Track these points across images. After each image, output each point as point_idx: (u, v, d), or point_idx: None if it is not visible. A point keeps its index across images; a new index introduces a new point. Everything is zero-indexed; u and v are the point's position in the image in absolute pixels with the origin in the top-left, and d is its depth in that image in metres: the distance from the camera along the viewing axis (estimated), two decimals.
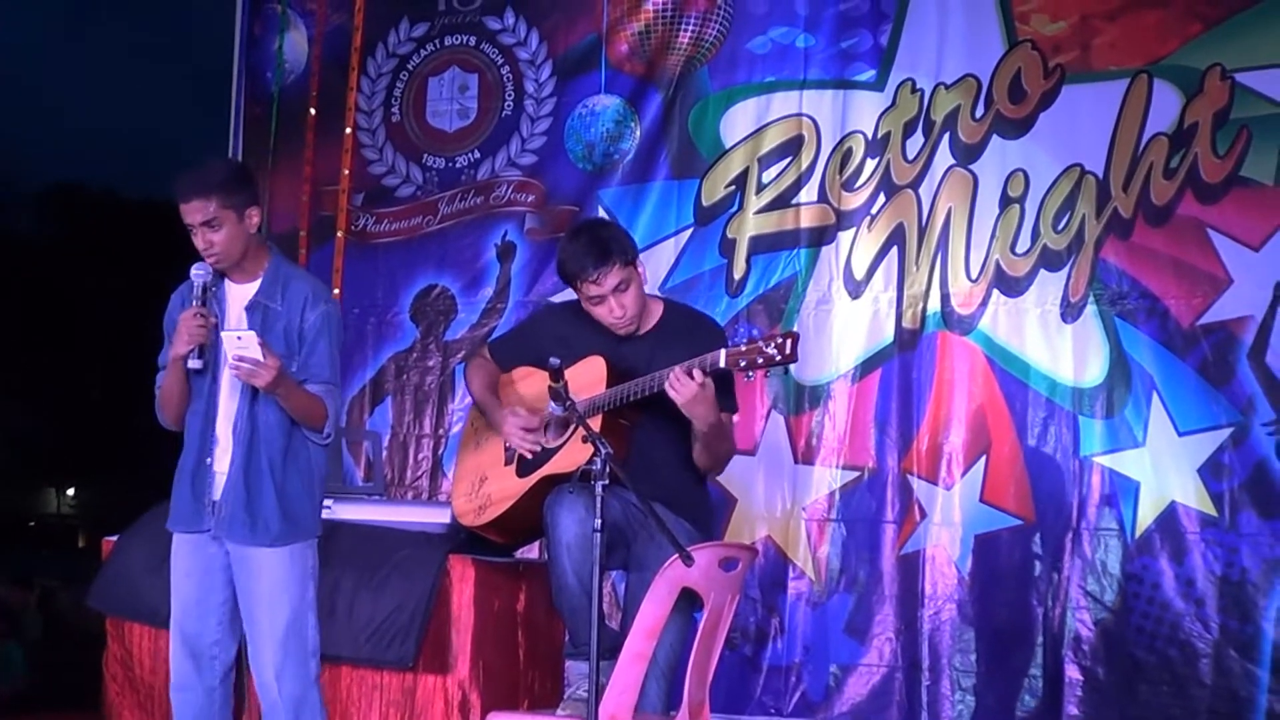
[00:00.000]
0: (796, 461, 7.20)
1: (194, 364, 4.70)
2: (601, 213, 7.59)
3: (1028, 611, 6.77)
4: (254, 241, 4.84)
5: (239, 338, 4.56)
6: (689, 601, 4.94)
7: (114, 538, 6.32)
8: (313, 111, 8.35)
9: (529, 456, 5.28)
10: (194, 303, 4.73)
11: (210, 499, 4.78)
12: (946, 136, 7.16)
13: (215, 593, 4.83)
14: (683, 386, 4.83)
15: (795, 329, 6.90)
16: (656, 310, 5.33)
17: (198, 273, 4.74)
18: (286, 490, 4.78)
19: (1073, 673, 6.65)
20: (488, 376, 5.59)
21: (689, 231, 7.53)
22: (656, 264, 7.39)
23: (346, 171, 8.21)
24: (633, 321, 5.19)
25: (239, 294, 4.84)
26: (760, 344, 4.74)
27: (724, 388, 5.08)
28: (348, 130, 8.26)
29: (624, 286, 5.11)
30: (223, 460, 4.79)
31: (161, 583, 5.84)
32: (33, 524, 37.35)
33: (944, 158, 7.16)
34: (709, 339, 5.16)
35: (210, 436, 4.80)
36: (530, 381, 5.45)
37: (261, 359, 4.54)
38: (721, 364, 4.77)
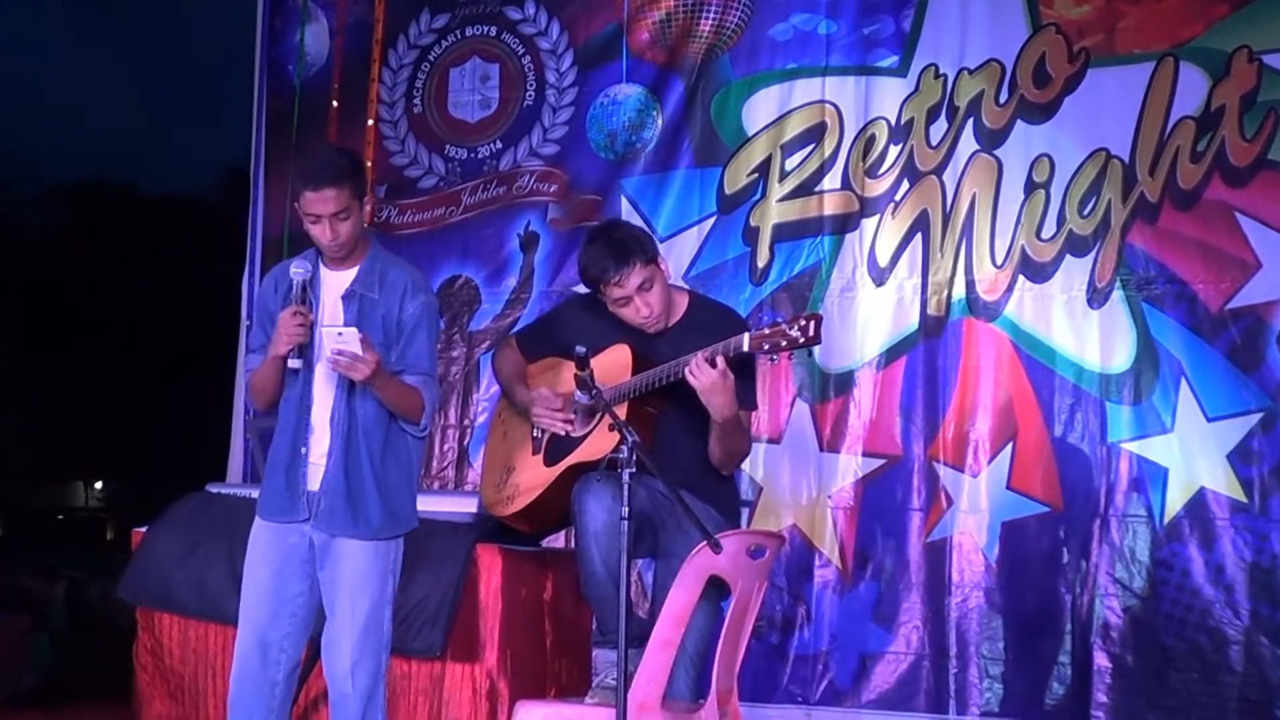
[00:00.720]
0: (822, 449, 7.17)
1: (294, 364, 4.68)
2: (624, 202, 7.58)
3: (1056, 599, 6.73)
4: (363, 230, 4.83)
5: (340, 333, 4.54)
6: (717, 589, 4.93)
7: (143, 529, 6.31)
8: (335, 104, 8.35)
9: (561, 434, 5.25)
10: (293, 302, 4.70)
11: (305, 488, 4.75)
12: (970, 122, 7.11)
13: (292, 584, 4.79)
14: (703, 374, 4.81)
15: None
16: (682, 303, 5.32)
17: (297, 271, 4.71)
18: (387, 483, 4.76)
19: (1102, 660, 6.61)
20: (515, 365, 5.58)
21: (712, 220, 7.50)
22: (680, 253, 7.37)
23: (369, 163, 8.19)
24: (660, 319, 5.19)
25: (336, 281, 4.81)
26: (784, 326, 4.72)
27: (745, 383, 5.06)
28: (370, 122, 8.25)
29: (648, 285, 5.10)
30: (318, 450, 4.76)
31: (191, 573, 5.90)
32: (61, 517, 37.51)
33: (968, 143, 7.11)
34: (733, 329, 5.14)
35: (305, 425, 4.77)
36: (556, 371, 5.43)
37: (361, 354, 4.52)
38: (745, 347, 4.75)
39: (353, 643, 4.72)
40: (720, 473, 5.31)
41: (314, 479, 4.75)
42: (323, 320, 4.76)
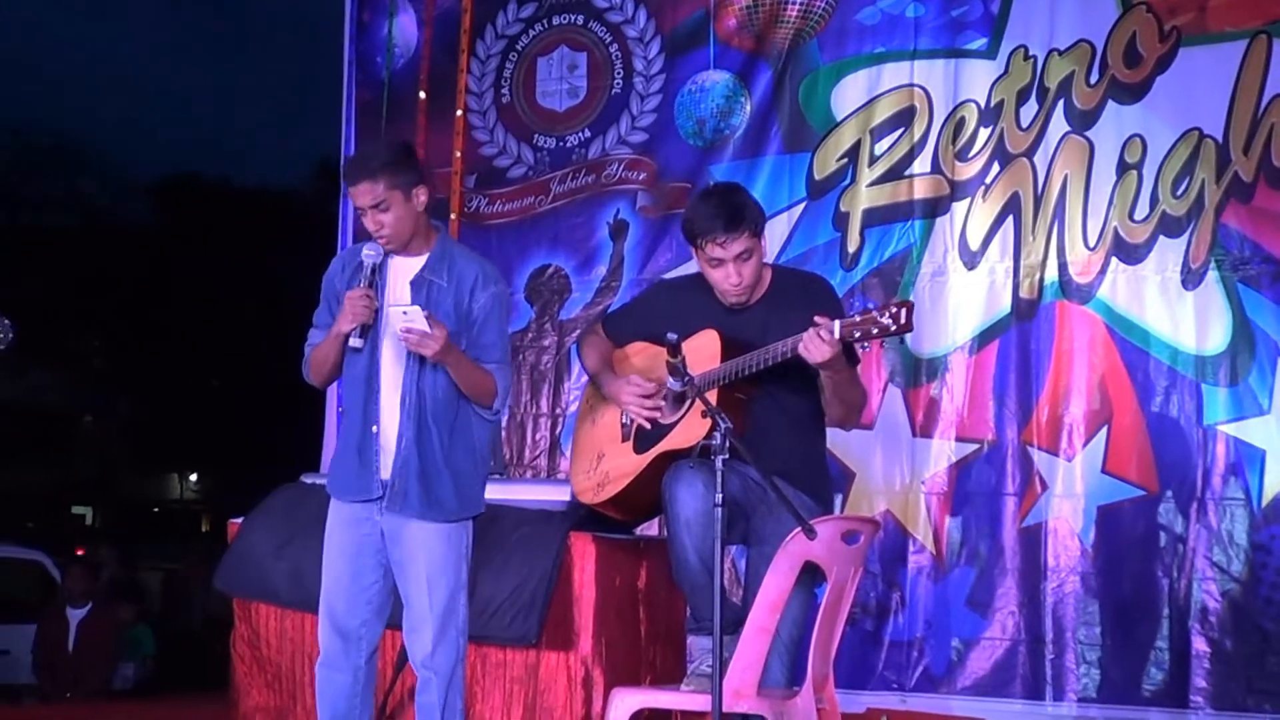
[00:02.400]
0: (915, 435, 7.15)
1: (355, 343, 4.74)
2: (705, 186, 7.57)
3: (1153, 583, 6.68)
4: (423, 220, 4.87)
5: (405, 312, 4.60)
6: (811, 576, 4.91)
7: (239, 520, 6.38)
8: (423, 95, 8.40)
9: (648, 426, 5.27)
10: (362, 283, 4.77)
11: (377, 468, 4.82)
12: (1061, 103, 7.06)
13: (368, 573, 4.85)
14: (817, 349, 4.76)
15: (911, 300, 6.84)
16: (766, 277, 5.28)
17: (369, 254, 4.79)
18: (456, 466, 4.82)
19: (1200, 645, 6.55)
20: (602, 351, 5.58)
21: (802, 205, 7.49)
22: (770, 239, 7.26)
23: (458, 153, 8.25)
24: (746, 291, 5.15)
25: (404, 268, 4.87)
26: (875, 313, 4.69)
27: (847, 345, 5.01)
28: (459, 112, 8.29)
29: (747, 256, 5.07)
30: (389, 430, 4.82)
31: (288, 563, 5.95)
32: (156, 510, 37.98)
33: (1059, 125, 7.06)
34: (822, 296, 5.16)
35: (374, 405, 4.83)
36: (645, 357, 5.43)
37: (428, 329, 4.58)
38: (836, 335, 4.72)
39: (434, 630, 4.78)
40: (817, 455, 5.30)
41: (385, 460, 4.82)
42: (389, 298, 4.84)
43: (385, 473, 4.81)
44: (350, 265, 4.93)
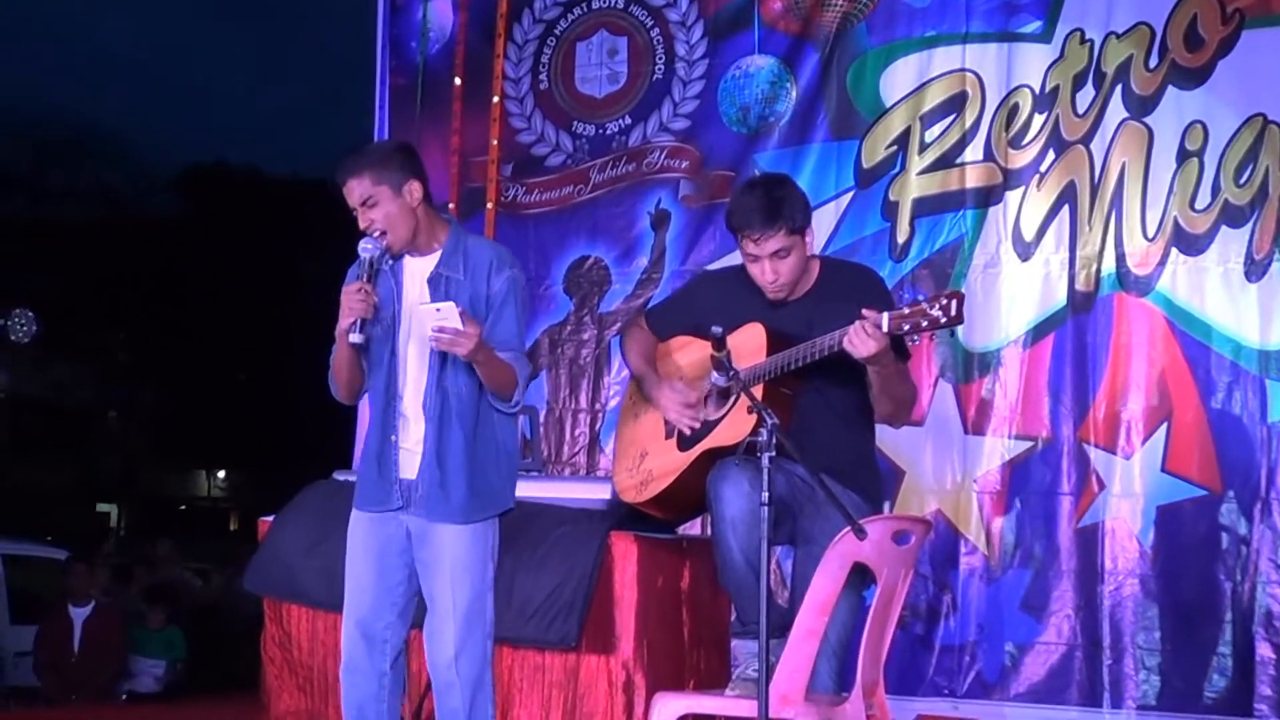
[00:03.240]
0: (966, 432, 7.13)
1: (354, 338, 4.74)
2: (751, 176, 7.55)
3: (1215, 586, 6.63)
4: (425, 216, 4.87)
5: (438, 309, 4.59)
6: (860, 578, 4.90)
7: (269, 519, 6.41)
8: (458, 81, 8.42)
9: (688, 433, 5.27)
10: (360, 276, 4.77)
11: (397, 476, 4.84)
12: (1119, 88, 7.02)
13: (392, 574, 4.87)
14: (863, 343, 4.76)
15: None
16: (813, 269, 5.27)
17: (365, 247, 4.79)
18: (479, 464, 4.82)
19: (1264, 651, 6.51)
20: (645, 346, 5.58)
21: (850, 194, 7.48)
22: (817, 230, 7.25)
23: (495, 141, 8.26)
24: (784, 289, 5.15)
25: (418, 268, 4.89)
26: (924, 305, 4.67)
27: (896, 338, 5.00)
28: (495, 99, 8.31)
29: (784, 254, 5.06)
30: (410, 436, 4.84)
31: (320, 563, 5.96)
32: (184, 507, 38.18)
33: (1116, 111, 7.03)
34: (870, 288, 5.15)
35: (394, 412, 4.86)
36: (689, 351, 5.43)
37: (462, 328, 4.56)
38: (885, 328, 4.70)
39: (456, 631, 4.78)
40: (866, 452, 5.30)
41: (407, 466, 4.84)
42: (406, 307, 4.85)
43: (407, 475, 4.83)
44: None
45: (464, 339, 4.57)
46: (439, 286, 4.83)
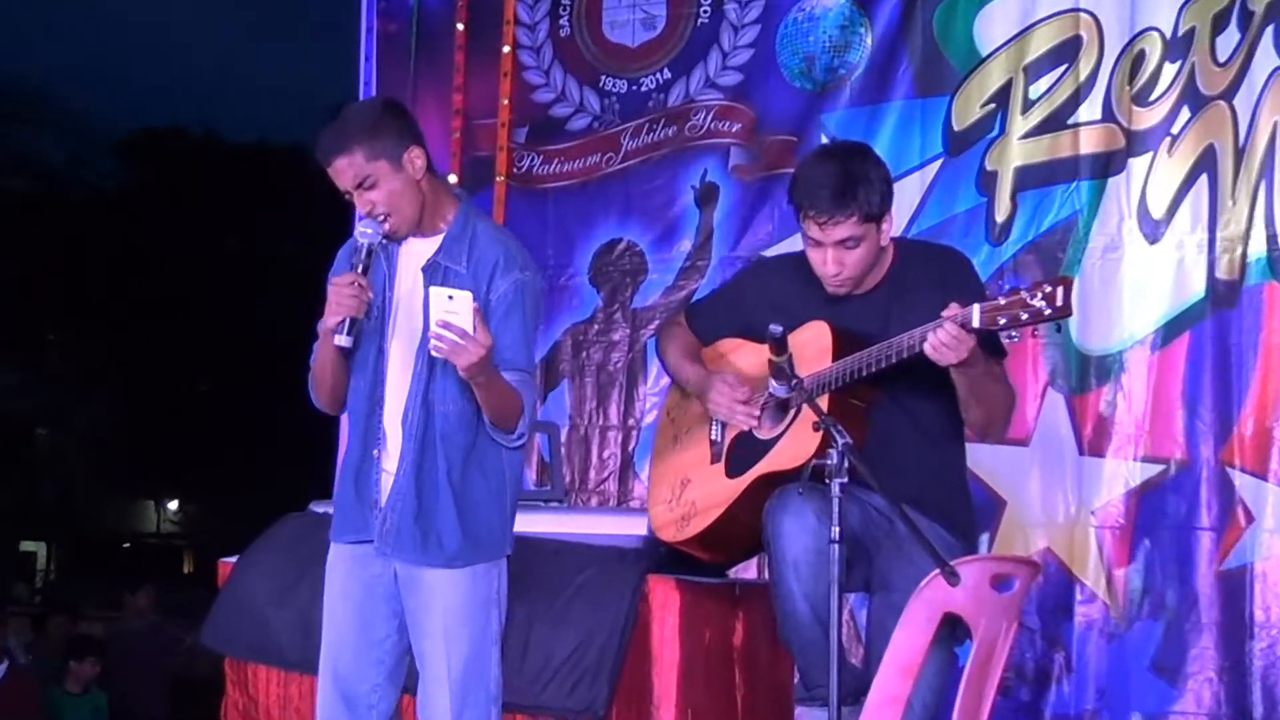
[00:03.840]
0: (1082, 453, 7.13)
1: (341, 340, 4.75)
2: (825, 141, 7.56)
3: None
4: (432, 189, 4.87)
5: (450, 296, 4.55)
6: (952, 632, 4.91)
7: (231, 560, 6.44)
8: (460, 26, 8.46)
9: (746, 428, 5.29)
10: (355, 266, 4.77)
11: (377, 500, 4.85)
12: (1270, 31, 7.02)
13: (378, 627, 4.89)
14: (948, 348, 4.76)
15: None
16: (888, 255, 5.28)
17: (365, 231, 4.78)
18: (468, 498, 4.83)
19: None
20: (685, 347, 5.60)
21: (938, 163, 7.50)
22: (898, 206, 7.20)
23: (506, 101, 8.30)
24: (846, 285, 5.17)
25: (415, 251, 4.89)
26: (1024, 294, 4.68)
27: (986, 333, 4.99)
28: (505, 49, 8.35)
29: (852, 244, 5.07)
30: (392, 455, 4.86)
31: (293, 614, 5.99)
32: (127, 545, 38.34)
33: (1267, 58, 7.02)
34: (957, 276, 5.17)
35: (376, 422, 4.88)
36: (740, 356, 5.45)
37: (471, 330, 4.53)
38: (976, 323, 4.72)
39: (452, 698, 4.80)
40: (956, 478, 5.32)
41: (384, 491, 4.86)
42: (398, 297, 4.86)
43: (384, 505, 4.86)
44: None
45: (470, 347, 4.53)
46: (436, 278, 4.81)
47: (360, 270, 4.75)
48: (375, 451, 4.86)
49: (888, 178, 5.19)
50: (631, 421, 7.99)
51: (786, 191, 5.25)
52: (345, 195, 4.81)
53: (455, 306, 4.52)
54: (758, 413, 5.28)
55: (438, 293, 4.58)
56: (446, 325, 4.52)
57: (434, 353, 4.61)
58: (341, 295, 4.70)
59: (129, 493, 37.78)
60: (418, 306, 4.77)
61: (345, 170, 4.75)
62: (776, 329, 4.76)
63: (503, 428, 4.80)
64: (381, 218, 4.77)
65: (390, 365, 4.87)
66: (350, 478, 4.92)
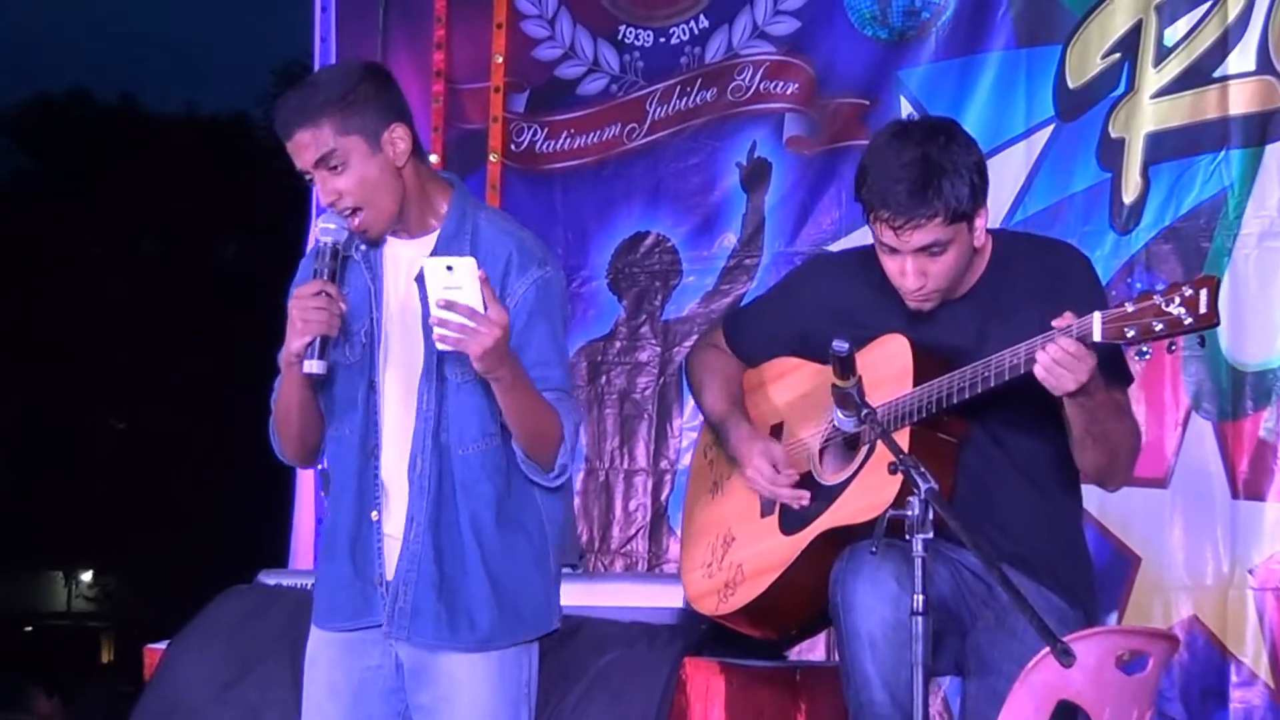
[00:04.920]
0: (1236, 495, 7.15)
1: (312, 366, 4.72)
2: (904, 105, 7.61)
3: None
4: (415, 177, 4.87)
5: (449, 267, 4.53)
6: None
7: (160, 645, 6.50)
8: None
9: (801, 501, 5.34)
10: (319, 273, 4.76)
11: (382, 575, 4.86)
12: None
13: None
14: (1064, 368, 4.79)
15: (1222, 277, 6.83)
16: (985, 251, 5.31)
17: (326, 228, 4.80)
18: (504, 564, 4.85)
19: None
20: (725, 376, 5.65)
21: (1048, 131, 7.54)
22: (997, 186, 7.21)
23: (500, 59, 8.36)
24: (932, 298, 5.19)
25: (404, 258, 4.90)
26: (1157, 299, 4.72)
27: (1107, 352, 5.00)
28: None
29: (938, 249, 5.08)
30: (394, 516, 4.87)
31: (238, 714, 6.05)
32: (30, 629, 38.34)
33: None
34: (1073, 279, 5.21)
35: (373, 477, 4.90)
36: (793, 380, 5.50)
37: (482, 306, 4.50)
38: (1097, 337, 4.76)
39: None
40: (1070, 532, 5.36)
41: (390, 561, 4.86)
42: (388, 316, 4.88)
43: (393, 575, 4.85)
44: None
45: (484, 328, 4.51)
46: None
47: (328, 276, 4.73)
48: (374, 514, 4.87)
49: (980, 163, 5.17)
50: (664, 464, 8.03)
51: (855, 183, 5.23)
52: (306, 177, 4.80)
53: (458, 279, 4.50)
54: (806, 497, 5.32)
55: (433, 264, 4.56)
56: (449, 305, 4.51)
57: (439, 344, 4.61)
58: (306, 309, 4.67)
59: (30, 564, 37.72)
60: (414, 325, 4.79)
61: (306, 145, 4.73)
62: (841, 346, 4.79)
63: (538, 458, 4.81)
64: (349, 212, 4.76)
65: (386, 404, 4.88)
66: (344, 549, 4.91)
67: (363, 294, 4.87)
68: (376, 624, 4.85)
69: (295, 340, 4.69)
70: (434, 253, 4.79)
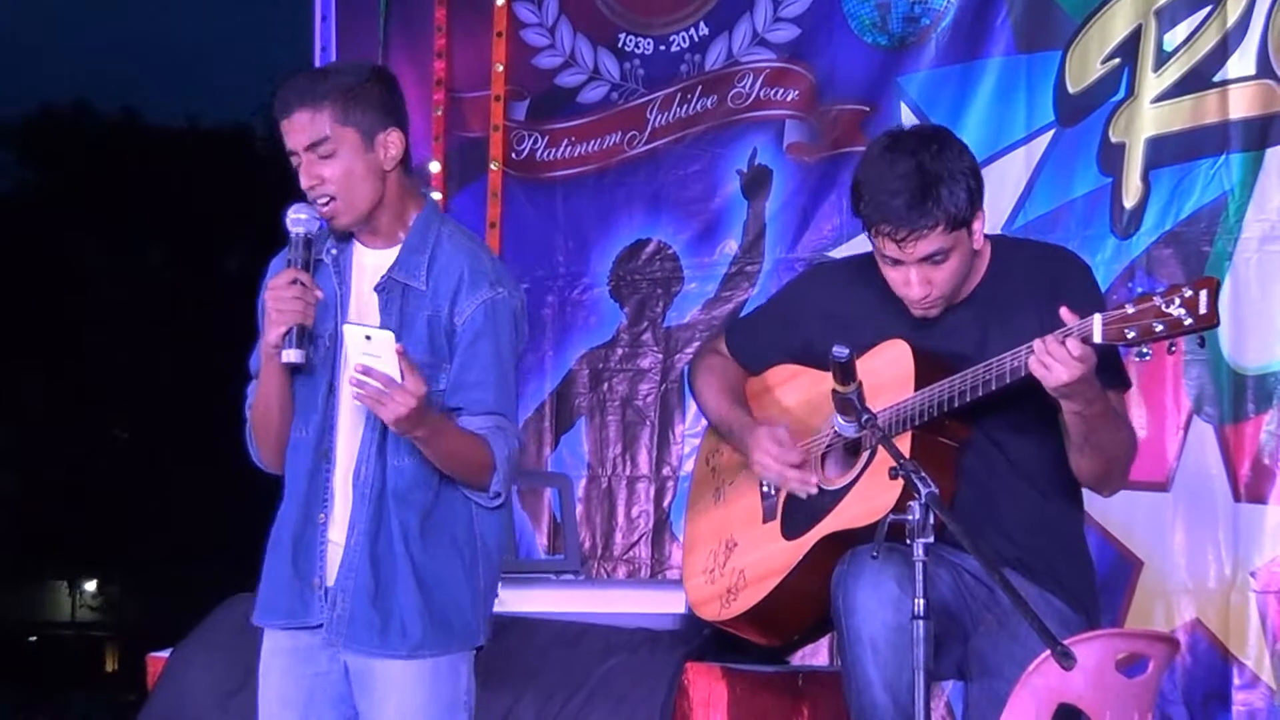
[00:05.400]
0: (1238, 499, 7.15)
1: (290, 356, 4.74)
2: (904, 112, 7.62)
3: None
4: (399, 189, 4.89)
5: (367, 336, 4.56)
6: None
7: (164, 654, 6.51)
8: None
9: (803, 496, 5.36)
10: (292, 262, 4.78)
11: (321, 577, 4.87)
12: None
13: None
14: (1059, 364, 4.81)
15: (1222, 280, 6.83)
16: (983, 258, 5.33)
17: (298, 218, 4.80)
18: (433, 575, 4.85)
19: None
20: (727, 382, 5.66)
21: (1048, 136, 7.55)
22: (998, 192, 7.35)
23: (501, 68, 8.38)
24: (938, 304, 5.21)
25: (370, 265, 4.92)
26: (1157, 300, 4.72)
27: (1105, 356, 5.00)
28: (499, 1, 8.42)
29: (940, 258, 5.11)
30: (338, 522, 4.88)
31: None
32: (33, 639, 38.34)
33: None
34: (1073, 284, 5.21)
35: (323, 480, 4.90)
36: (795, 387, 5.51)
37: (397, 377, 4.54)
38: (1097, 338, 4.77)
39: None
40: (1071, 533, 5.37)
41: (332, 566, 4.88)
42: (351, 313, 4.87)
43: (333, 580, 4.87)
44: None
45: (398, 397, 4.55)
46: (392, 298, 4.86)
47: (301, 266, 4.76)
48: (321, 516, 4.89)
49: (974, 167, 5.19)
50: (666, 470, 8.04)
51: (850, 194, 5.27)
52: (292, 158, 4.80)
53: (375, 348, 4.54)
54: (814, 481, 5.32)
55: (353, 331, 4.61)
56: (367, 371, 4.55)
57: (356, 399, 4.65)
58: (281, 299, 4.71)
59: (34, 573, 37.72)
60: None
61: (302, 125, 4.76)
62: (841, 352, 4.78)
63: (472, 486, 4.84)
64: (325, 200, 4.78)
65: (341, 409, 4.89)
66: (286, 547, 4.92)
67: (329, 298, 4.86)
68: (310, 625, 4.87)
69: (272, 331, 4.74)
70: (396, 261, 4.85)
